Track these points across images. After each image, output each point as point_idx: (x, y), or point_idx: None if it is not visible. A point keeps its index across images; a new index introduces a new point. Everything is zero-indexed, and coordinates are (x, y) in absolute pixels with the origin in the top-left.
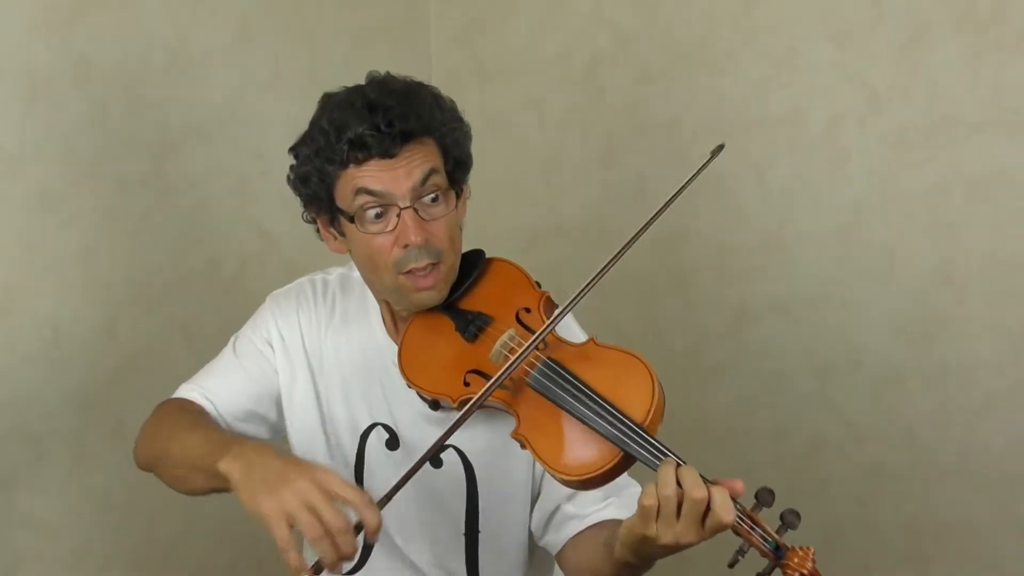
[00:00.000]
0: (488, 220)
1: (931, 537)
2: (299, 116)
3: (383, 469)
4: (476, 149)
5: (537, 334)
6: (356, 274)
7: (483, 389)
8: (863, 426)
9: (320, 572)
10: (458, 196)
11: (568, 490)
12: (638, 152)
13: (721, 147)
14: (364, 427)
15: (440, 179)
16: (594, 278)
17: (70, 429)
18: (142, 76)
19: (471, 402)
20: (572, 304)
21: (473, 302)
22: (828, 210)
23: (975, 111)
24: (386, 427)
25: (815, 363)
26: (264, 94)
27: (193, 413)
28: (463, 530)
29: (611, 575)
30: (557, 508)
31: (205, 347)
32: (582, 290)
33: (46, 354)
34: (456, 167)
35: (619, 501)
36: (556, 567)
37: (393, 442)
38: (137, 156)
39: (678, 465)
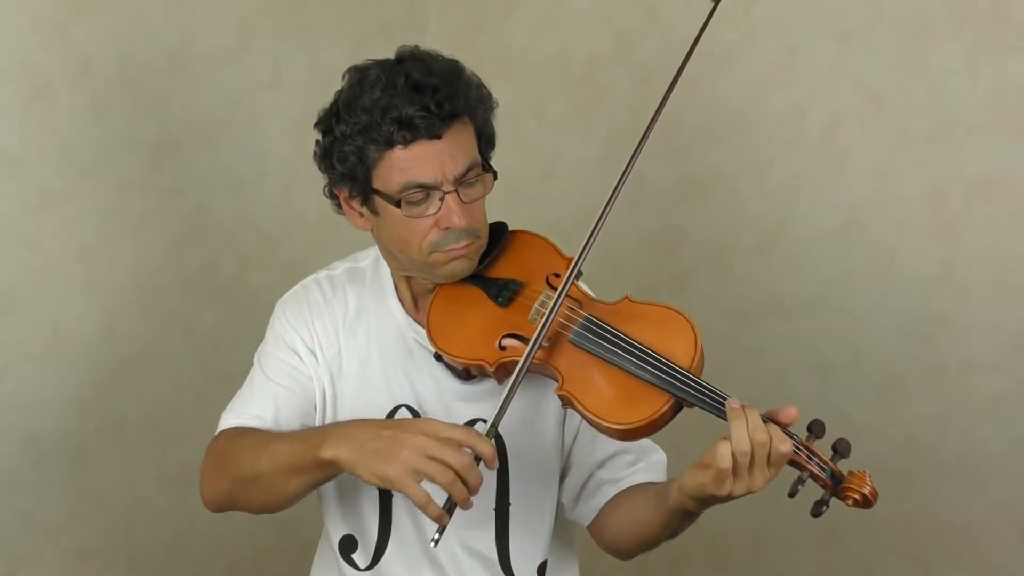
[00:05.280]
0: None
1: (931, 537)
2: (299, 116)
3: None
4: None
5: (566, 278)
6: (363, 264)
7: (532, 340)
8: (863, 426)
9: (454, 510)
10: (494, 176)
11: (600, 456)
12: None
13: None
14: (387, 411)
15: (479, 163)
16: (620, 181)
17: (70, 429)
18: (142, 76)
19: (526, 353)
20: (598, 227)
21: (500, 271)
22: (828, 210)
23: (975, 111)
24: (409, 408)
25: (815, 363)
26: (264, 94)
27: (259, 431)
28: (494, 504)
29: (662, 526)
30: (590, 476)
31: (205, 347)
32: (611, 197)
33: (46, 354)
34: (487, 146)
35: (646, 465)
36: (573, 544)
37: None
38: (137, 156)
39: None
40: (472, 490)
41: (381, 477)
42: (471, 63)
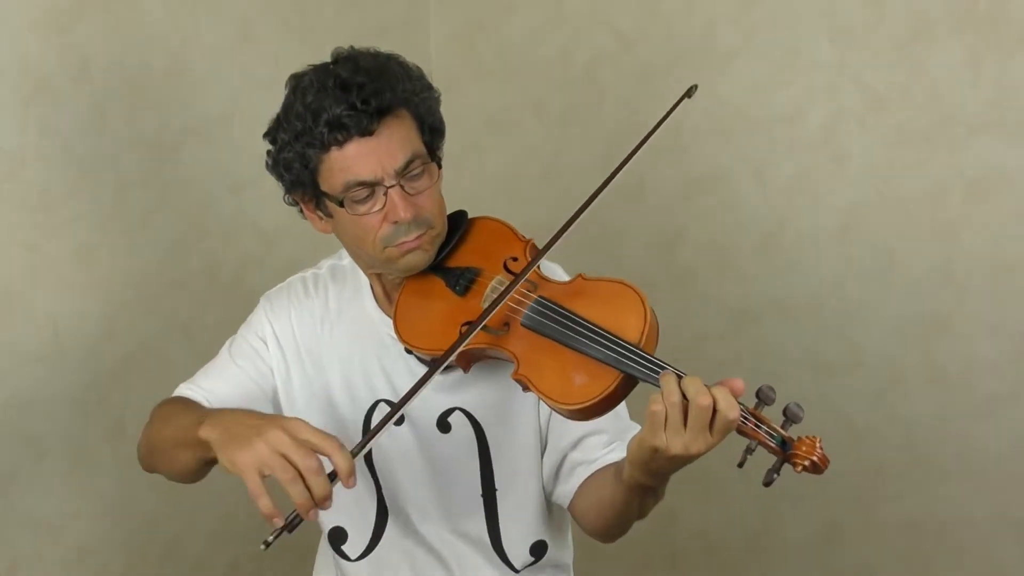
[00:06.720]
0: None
1: (931, 537)
2: None
3: (391, 445)
4: (476, 149)
5: (524, 269)
6: (346, 262)
7: (471, 328)
8: (863, 426)
9: (295, 523)
10: (439, 166)
11: (572, 438)
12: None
13: (694, 87)
14: (367, 407)
15: (421, 154)
16: (579, 210)
17: (70, 429)
18: (142, 76)
19: (462, 339)
20: (556, 239)
21: (461, 259)
22: (828, 210)
23: (975, 111)
24: (389, 403)
25: (815, 363)
26: (264, 94)
27: (186, 403)
28: (480, 491)
29: (623, 503)
30: (564, 458)
31: (205, 347)
32: (567, 224)
33: (46, 354)
34: (432, 135)
35: (623, 445)
36: (567, 526)
37: (398, 417)
38: (137, 156)
39: (679, 377)
40: (316, 499)
41: (231, 462)
42: (471, 63)
